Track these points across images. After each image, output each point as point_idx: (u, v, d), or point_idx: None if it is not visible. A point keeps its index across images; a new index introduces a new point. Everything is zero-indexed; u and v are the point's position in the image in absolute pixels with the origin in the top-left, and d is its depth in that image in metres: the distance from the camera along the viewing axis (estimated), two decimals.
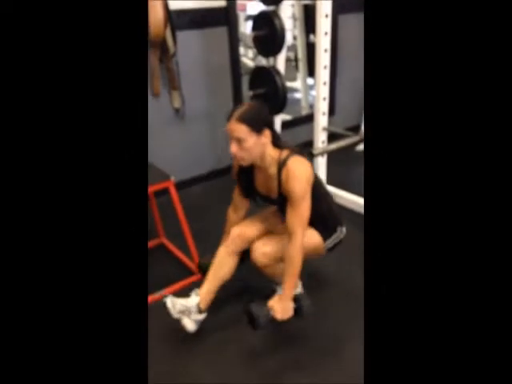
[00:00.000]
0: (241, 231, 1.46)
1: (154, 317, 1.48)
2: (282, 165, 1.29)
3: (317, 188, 1.36)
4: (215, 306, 1.49)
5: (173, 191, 1.67)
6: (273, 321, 1.28)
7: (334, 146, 2.34)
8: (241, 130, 1.23)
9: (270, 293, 1.53)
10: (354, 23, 3.05)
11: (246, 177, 1.45)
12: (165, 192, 1.68)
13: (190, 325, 1.41)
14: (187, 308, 1.39)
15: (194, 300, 1.40)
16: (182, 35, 2.27)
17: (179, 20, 2.24)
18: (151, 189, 1.61)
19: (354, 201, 2.27)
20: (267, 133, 1.28)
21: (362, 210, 2.22)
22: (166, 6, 2.11)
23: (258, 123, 1.25)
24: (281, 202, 1.35)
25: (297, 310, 1.31)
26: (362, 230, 2.24)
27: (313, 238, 1.42)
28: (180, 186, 2.05)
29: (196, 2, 2.32)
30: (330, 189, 2.40)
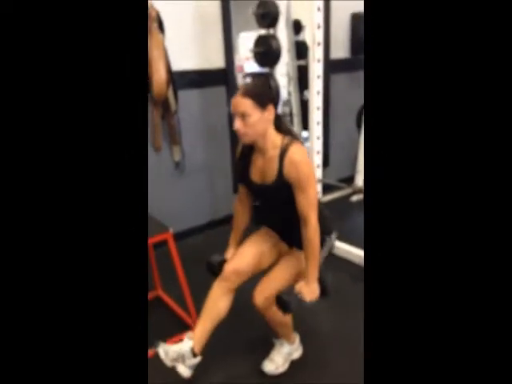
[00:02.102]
0: (234, 266, 1.41)
1: (151, 370, 1.44)
2: (284, 149, 1.28)
3: None
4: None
5: (171, 244, 1.69)
6: (302, 303, 1.32)
7: (329, 197, 2.41)
8: (245, 104, 1.23)
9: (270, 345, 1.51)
10: (345, 82, 3.25)
11: (244, 162, 1.42)
12: (163, 243, 1.70)
13: (185, 371, 1.35)
14: (181, 354, 1.33)
15: (187, 345, 1.35)
16: (183, 94, 2.41)
17: (181, 80, 2.39)
18: (150, 241, 1.64)
19: (350, 251, 2.30)
20: (271, 108, 1.28)
21: (357, 259, 2.24)
22: (168, 68, 2.26)
23: (263, 98, 1.25)
24: (276, 187, 1.32)
25: (322, 290, 1.37)
26: (357, 279, 2.24)
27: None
28: (178, 236, 2.08)
29: (197, 63, 2.49)
30: None
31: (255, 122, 1.25)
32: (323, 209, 1.48)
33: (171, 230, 1.70)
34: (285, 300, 1.30)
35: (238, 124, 1.26)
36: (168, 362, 1.33)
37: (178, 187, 2.61)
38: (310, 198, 1.28)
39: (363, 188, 3.03)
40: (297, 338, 1.62)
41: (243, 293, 1.44)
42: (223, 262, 1.47)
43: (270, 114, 1.28)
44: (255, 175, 1.39)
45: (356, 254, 2.26)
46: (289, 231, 1.41)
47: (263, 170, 1.36)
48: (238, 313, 1.50)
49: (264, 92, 1.27)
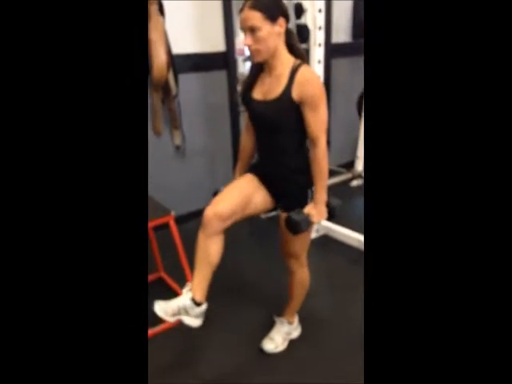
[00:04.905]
0: (214, 210, 1.32)
1: (153, 350, 1.49)
2: (296, 68, 1.25)
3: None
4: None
5: (173, 226, 1.71)
6: (311, 224, 1.36)
7: (329, 182, 2.42)
8: (254, 16, 1.18)
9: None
10: (346, 67, 3.23)
11: (250, 82, 1.38)
12: (164, 225, 1.73)
13: (192, 321, 1.32)
14: (181, 308, 1.31)
15: (186, 297, 1.32)
16: (183, 78, 2.40)
17: (181, 64, 2.38)
18: (152, 223, 1.66)
19: (350, 236, 2.33)
20: (282, 22, 1.22)
21: (357, 244, 2.27)
22: (168, 51, 2.25)
23: (273, 10, 1.19)
24: (277, 104, 1.27)
25: (330, 212, 1.42)
26: (356, 264, 2.27)
27: None
28: (179, 220, 2.10)
29: (197, 47, 2.47)
30: (326, 223, 2.46)
31: (266, 36, 1.19)
32: None
33: (173, 213, 1.72)
34: (295, 220, 1.31)
35: (248, 40, 1.21)
36: (169, 318, 1.30)
37: (178, 171, 2.62)
38: (322, 117, 1.26)
39: (363, 173, 3.02)
40: (296, 318, 1.66)
41: (241, 271, 1.47)
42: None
43: (281, 27, 1.22)
44: (258, 93, 1.34)
45: (355, 237, 2.29)
46: (282, 181, 1.40)
47: (269, 87, 1.31)
48: (238, 292, 1.53)
49: (273, 3, 1.20)
